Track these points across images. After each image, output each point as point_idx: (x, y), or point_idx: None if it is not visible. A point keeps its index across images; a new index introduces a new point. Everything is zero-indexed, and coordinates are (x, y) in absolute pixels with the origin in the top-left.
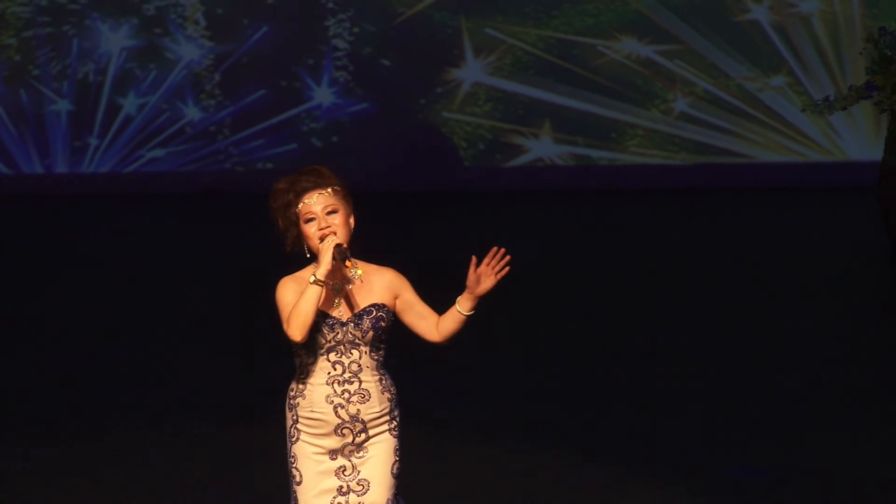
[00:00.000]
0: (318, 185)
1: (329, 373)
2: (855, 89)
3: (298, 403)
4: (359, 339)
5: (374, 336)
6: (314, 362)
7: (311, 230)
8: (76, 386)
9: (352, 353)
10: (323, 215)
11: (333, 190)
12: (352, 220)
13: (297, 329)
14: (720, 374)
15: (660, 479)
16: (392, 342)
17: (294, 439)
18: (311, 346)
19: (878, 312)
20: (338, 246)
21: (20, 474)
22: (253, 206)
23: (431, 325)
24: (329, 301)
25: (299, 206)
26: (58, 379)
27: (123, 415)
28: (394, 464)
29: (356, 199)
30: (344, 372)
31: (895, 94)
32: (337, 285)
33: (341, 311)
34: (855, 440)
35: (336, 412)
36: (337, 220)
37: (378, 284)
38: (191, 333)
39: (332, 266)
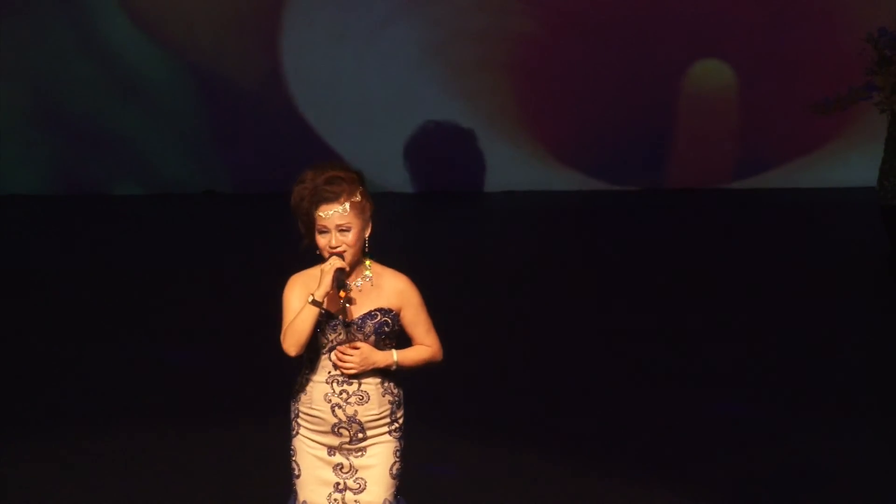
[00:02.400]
0: (337, 196)
1: (329, 372)
2: (854, 90)
3: (300, 398)
4: (361, 342)
5: (376, 340)
6: (317, 359)
7: (322, 241)
8: (76, 387)
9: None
10: (335, 232)
11: (351, 204)
12: (368, 230)
13: (291, 346)
14: (719, 373)
15: (660, 478)
16: (400, 345)
17: (294, 433)
18: (314, 344)
19: (877, 313)
20: (338, 271)
21: (20, 475)
22: (252, 206)
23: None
24: (334, 301)
25: (314, 214)
26: (58, 380)
27: (123, 415)
28: (393, 464)
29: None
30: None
31: (895, 94)
32: (344, 294)
33: (346, 313)
34: (855, 439)
35: (333, 412)
36: (349, 238)
37: (389, 290)
38: (191, 333)
39: (332, 289)
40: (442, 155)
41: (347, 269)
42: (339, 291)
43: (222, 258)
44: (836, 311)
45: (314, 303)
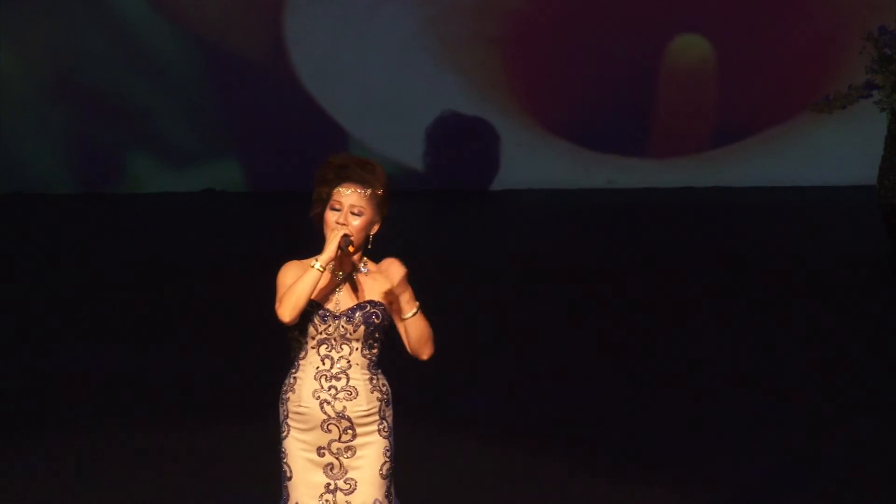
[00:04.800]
0: (362, 180)
1: (318, 367)
2: (854, 88)
3: (289, 398)
4: (350, 334)
5: (365, 332)
6: (305, 356)
7: (330, 217)
8: (75, 386)
9: (342, 349)
10: (347, 211)
11: (373, 193)
12: (375, 228)
13: (287, 309)
14: (720, 373)
15: (660, 478)
16: (390, 342)
17: (284, 434)
18: (303, 339)
19: (878, 312)
20: (345, 236)
21: (20, 475)
22: (252, 204)
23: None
24: (326, 293)
25: (333, 189)
26: (57, 379)
27: (123, 415)
28: (383, 464)
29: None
30: (332, 367)
31: (895, 93)
32: (341, 274)
33: (336, 305)
34: (854, 439)
35: (322, 408)
36: (357, 222)
37: (381, 285)
38: (190, 333)
39: (336, 255)
40: (437, 135)
41: (353, 239)
42: (346, 248)
43: (223, 256)
44: (837, 311)
45: (317, 268)
